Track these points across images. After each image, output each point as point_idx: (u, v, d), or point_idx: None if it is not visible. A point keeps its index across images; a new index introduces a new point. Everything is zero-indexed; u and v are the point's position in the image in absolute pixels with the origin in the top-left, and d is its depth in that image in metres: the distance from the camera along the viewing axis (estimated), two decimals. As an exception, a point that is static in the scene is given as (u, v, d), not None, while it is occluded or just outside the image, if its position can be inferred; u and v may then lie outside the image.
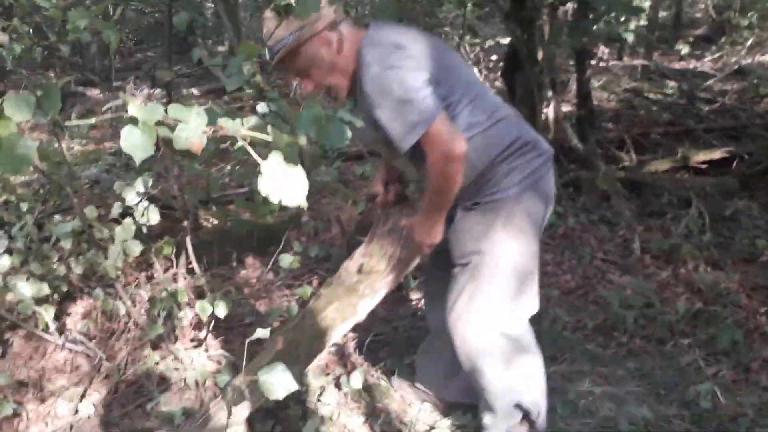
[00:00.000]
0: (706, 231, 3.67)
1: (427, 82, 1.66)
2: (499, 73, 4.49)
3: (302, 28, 1.69)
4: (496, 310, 1.86)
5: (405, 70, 1.65)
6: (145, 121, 1.17)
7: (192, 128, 1.18)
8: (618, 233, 3.84)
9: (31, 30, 3.58)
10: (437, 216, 1.82)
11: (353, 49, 1.74)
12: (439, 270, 2.11)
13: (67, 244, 2.61)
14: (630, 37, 3.88)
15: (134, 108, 1.21)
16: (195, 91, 7.47)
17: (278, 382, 1.42)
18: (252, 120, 1.29)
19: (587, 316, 3.01)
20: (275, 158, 1.16)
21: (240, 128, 1.24)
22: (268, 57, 1.75)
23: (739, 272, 3.27)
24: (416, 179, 2.02)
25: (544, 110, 4.01)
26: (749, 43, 8.83)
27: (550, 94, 3.92)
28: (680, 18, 10.08)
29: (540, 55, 3.67)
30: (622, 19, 4.09)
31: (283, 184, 1.16)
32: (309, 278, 3.32)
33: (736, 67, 7.44)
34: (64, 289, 2.70)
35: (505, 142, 1.80)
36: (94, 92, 8.12)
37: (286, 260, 2.72)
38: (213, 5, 11.26)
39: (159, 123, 1.19)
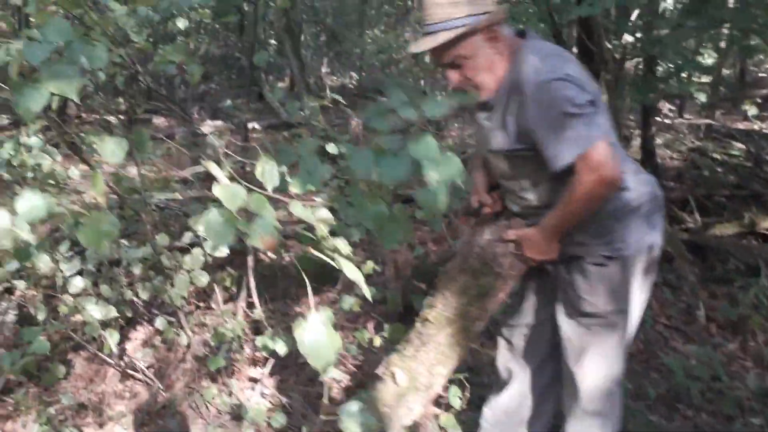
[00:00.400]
0: (776, 302, 3.52)
1: (591, 104, 1.58)
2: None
3: (480, 14, 1.59)
4: (623, 361, 1.91)
5: (576, 84, 1.56)
6: (227, 205, 1.23)
7: (267, 224, 1.23)
8: (681, 298, 3.71)
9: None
10: (559, 233, 1.74)
11: (509, 52, 1.66)
12: (536, 320, 2.05)
13: (136, 270, 2.67)
14: (703, 97, 3.81)
15: (219, 189, 1.26)
16: (256, 125, 7.66)
17: None
18: (321, 211, 1.37)
19: (649, 384, 2.90)
20: (315, 319, 1.20)
21: (310, 216, 1.32)
22: (421, 34, 1.64)
23: (813, 349, 3.11)
24: (530, 199, 1.83)
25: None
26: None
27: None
28: (744, 76, 9.91)
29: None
30: (690, 76, 4.04)
31: (320, 348, 1.19)
32: (365, 321, 3.31)
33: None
34: (129, 314, 2.76)
35: (650, 193, 1.77)
36: (160, 119, 8.44)
37: (347, 302, 2.72)
38: (276, 42, 11.68)
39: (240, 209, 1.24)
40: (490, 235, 1.84)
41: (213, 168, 1.41)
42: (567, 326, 1.86)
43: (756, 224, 4.40)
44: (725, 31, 4.32)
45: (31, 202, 1.34)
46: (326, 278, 3.45)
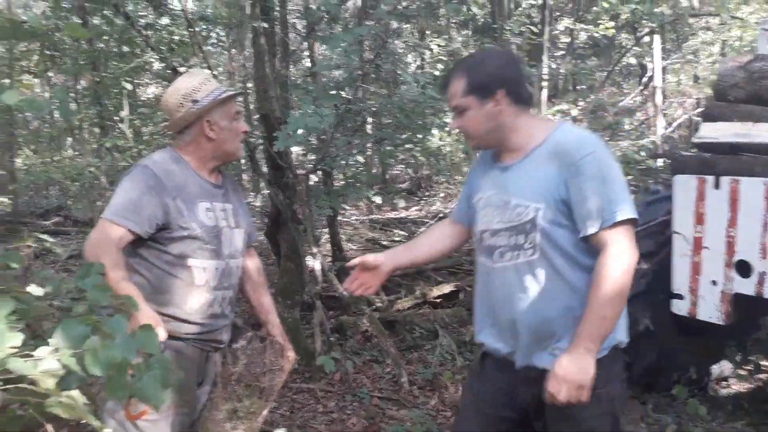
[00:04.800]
0: (455, 356, 4.27)
1: None
2: (263, 233, 4.77)
3: None
4: None
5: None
6: None
7: None
8: (386, 370, 4.22)
9: None
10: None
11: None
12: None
13: None
14: (379, 199, 4.56)
15: None
16: None
17: None
18: (46, 362, 1.16)
19: (381, 455, 3.21)
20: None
21: (31, 369, 1.14)
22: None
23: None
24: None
25: (310, 263, 4.37)
26: (442, 195, 10.85)
27: (314, 249, 4.31)
28: (384, 174, 11.91)
29: (301, 215, 4.07)
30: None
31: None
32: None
33: (437, 213, 9.02)
34: None
35: None
36: None
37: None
38: None
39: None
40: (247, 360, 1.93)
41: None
42: None
43: (426, 295, 5.31)
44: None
45: None
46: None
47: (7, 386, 1.15)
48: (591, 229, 1.60)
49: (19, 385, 1.18)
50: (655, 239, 3.60)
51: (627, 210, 1.60)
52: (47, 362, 1.26)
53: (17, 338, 1.19)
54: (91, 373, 1.12)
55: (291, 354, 2.05)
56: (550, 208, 1.64)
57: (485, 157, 1.87)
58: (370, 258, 1.89)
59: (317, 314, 4.26)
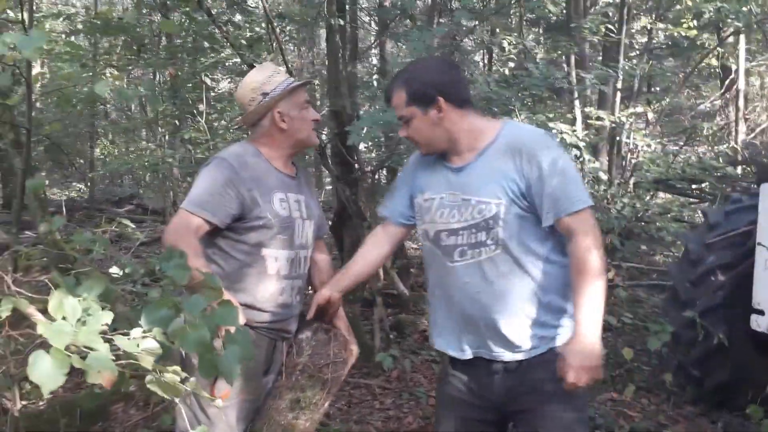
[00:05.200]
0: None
1: None
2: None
3: None
4: None
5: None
6: (55, 344, 1.12)
7: (102, 358, 1.15)
8: (444, 370, 4.19)
9: None
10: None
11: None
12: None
13: None
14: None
15: (43, 328, 1.17)
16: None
17: None
18: (147, 342, 1.24)
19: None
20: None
21: (134, 347, 1.20)
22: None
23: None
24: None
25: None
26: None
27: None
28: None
29: (367, 211, 4.10)
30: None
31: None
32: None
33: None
34: None
35: None
36: None
37: None
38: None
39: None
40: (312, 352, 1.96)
41: (23, 306, 1.29)
42: None
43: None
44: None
45: None
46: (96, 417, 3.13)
47: (120, 361, 1.19)
48: (554, 218, 1.69)
49: (130, 361, 1.24)
50: (733, 250, 3.43)
51: (586, 198, 1.71)
52: (147, 342, 1.31)
53: (108, 316, 1.26)
54: (186, 351, 1.16)
55: (354, 347, 2.06)
56: (511, 202, 1.71)
57: (428, 158, 1.89)
58: (320, 298, 1.97)
59: (377, 311, 4.28)
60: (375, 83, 5.26)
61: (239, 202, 1.87)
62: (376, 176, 4.58)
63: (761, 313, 3.15)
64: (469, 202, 1.74)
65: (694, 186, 6.74)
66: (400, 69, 2.02)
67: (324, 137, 4.42)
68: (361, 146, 5.96)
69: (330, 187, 8.88)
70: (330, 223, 4.59)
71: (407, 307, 4.72)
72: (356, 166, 3.96)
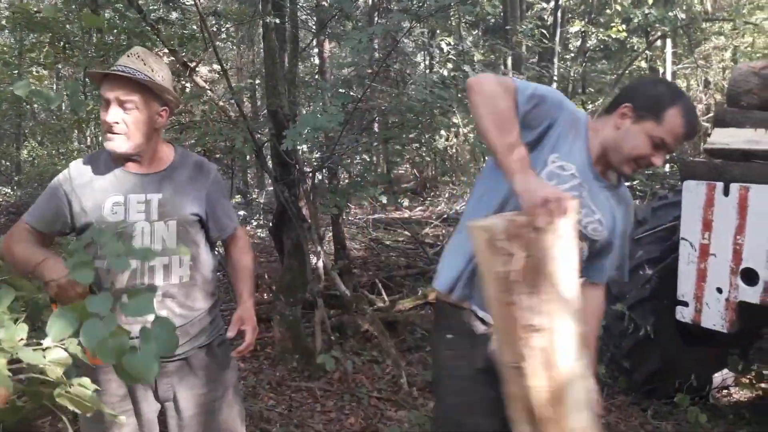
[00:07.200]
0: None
1: None
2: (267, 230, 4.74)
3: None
4: None
5: None
6: None
7: None
8: (386, 371, 4.19)
9: None
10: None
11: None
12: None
13: None
14: (384, 199, 4.55)
15: None
16: None
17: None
18: (54, 352, 1.17)
19: (378, 456, 3.18)
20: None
21: (40, 359, 1.14)
22: None
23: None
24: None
25: (313, 262, 4.36)
26: (447, 195, 10.81)
27: (318, 248, 4.30)
28: (390, 174, 11.88)
29: (307, 213, 4.05)
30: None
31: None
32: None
33: (444, 215, 8.99)
34: None
35: None
36: None
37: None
38: None
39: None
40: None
41: None
42: None
43: (428, 295, 5.28)
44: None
45: None
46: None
47: (20, 376, 1.12)
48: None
49: (31, 375, 1.16)
50: (660, 245, 3.57)
51: None
52: (55, 352, 1.23)
53: (23, 330, 1.18)
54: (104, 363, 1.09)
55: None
56: None
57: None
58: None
59: (319, 312, 4.24)
60: (317, 84, 5.23)
61: (61, 211, 1.79)
62: (316, 177, 4.54)
63: (685, 304, 3.29)
64: None
65: (627, 184, 7.00)
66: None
67: (259, 137, 4.34)
68: (302, 146, 5.92)
69: (271, 188, 8.74)
70: (270, 224, 4.52)
71: (349, 309, 4.69)
72: (296, 166, 3.91)
